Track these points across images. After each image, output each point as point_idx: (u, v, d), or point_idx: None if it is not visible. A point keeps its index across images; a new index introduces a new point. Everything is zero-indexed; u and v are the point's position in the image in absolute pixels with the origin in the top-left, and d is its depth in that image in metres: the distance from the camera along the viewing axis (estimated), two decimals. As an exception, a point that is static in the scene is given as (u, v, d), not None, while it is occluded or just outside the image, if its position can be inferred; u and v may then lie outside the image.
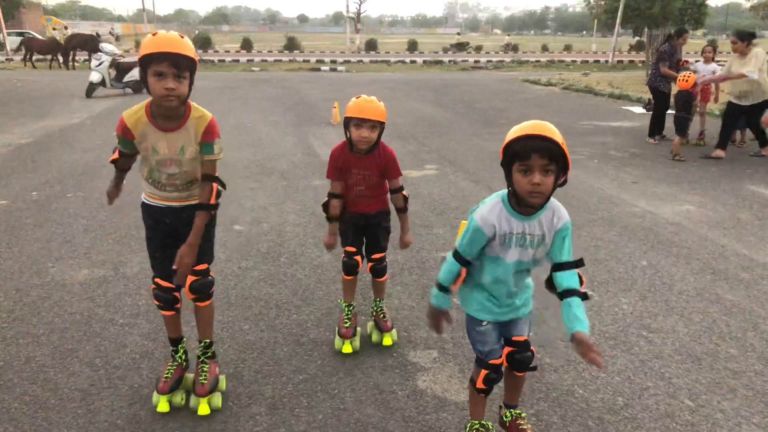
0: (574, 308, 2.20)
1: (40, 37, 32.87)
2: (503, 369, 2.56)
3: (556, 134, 2.10)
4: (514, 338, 2.51)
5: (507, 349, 2.53)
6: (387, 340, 3.57)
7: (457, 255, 2.36)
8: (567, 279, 2.26)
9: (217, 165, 2.78)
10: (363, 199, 3.40)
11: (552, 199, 2.24)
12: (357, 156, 3.29)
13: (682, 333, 3.75)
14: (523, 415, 2.71)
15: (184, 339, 3.14)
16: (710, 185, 7.42)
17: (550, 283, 2.34)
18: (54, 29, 36.88)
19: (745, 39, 8.66)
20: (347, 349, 3.46)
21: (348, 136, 3.26)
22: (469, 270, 2.40)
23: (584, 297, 2.25)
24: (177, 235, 2.78)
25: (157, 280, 2.91)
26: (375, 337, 3.60)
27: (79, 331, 3.66)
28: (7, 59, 29.70)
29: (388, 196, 3.49)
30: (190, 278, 2.89)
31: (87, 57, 25.14)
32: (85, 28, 50.68)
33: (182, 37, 2.55)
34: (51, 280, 4.41)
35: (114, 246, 5.04)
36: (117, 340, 3.56)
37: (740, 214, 6.21)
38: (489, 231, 2.25)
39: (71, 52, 26.28)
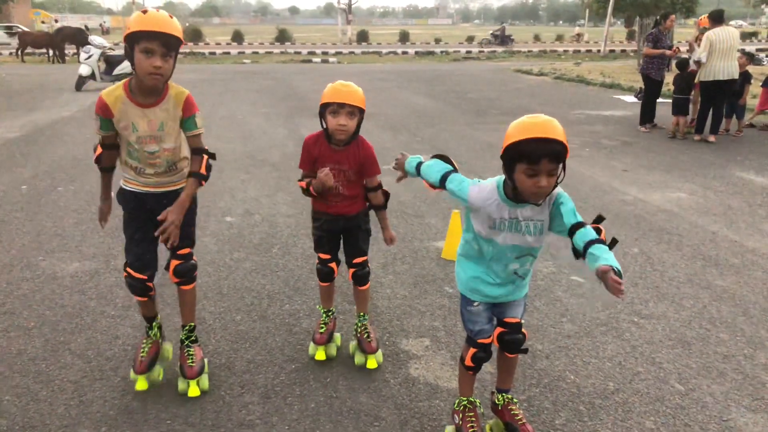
0: (597, 253, 2.03)
1: (34, 30, 32.58)
2: (494, 350, 2.57)
3: (562, 134, 2.06)
4: (506, 319, 2.52)
5: (498, 330, 2.54)
6: (371, 363, 3.20)
7: (446, 173, 2.46)
8: (582, 235, 2.12)
9: (203, 138, 2.82)
10: (341, 199, 3.07)
11: None
12: (333, 149, 2.99)
13: (673, 318, 3.78)
14: (515, 400, 2.72)
15: (159, 316, 3.17)
16: (701, 173, 7.45)
17: (576, 253, 2.17)
18: (43, 22, 36.56)
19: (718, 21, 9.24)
20: (320, 356, 3.24)
21: (324, 125, 2.98)
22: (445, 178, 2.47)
23: (610, 244, 2.11)
24: (154, 220, 2.77)
25: (129, 269, 2.91)
26: (358, 359, 3.24)
27: (71, 324, 3.65)
28: (-6, 53, 29.44)
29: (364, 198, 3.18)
30: (174, 262, 2.91)
31: (75, 50, 24.91)
32: (75, 21, 50.26)
33: (171, 17, 2.60)
34: (42, 273, 4.39)
35: (105, 239, 5.02)
36: (109, 332, 3.56)
37: (731, 201, 6.25)
38: (477, 202, 2.29)
39: (60, 46, 26.05)
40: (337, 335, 3.42)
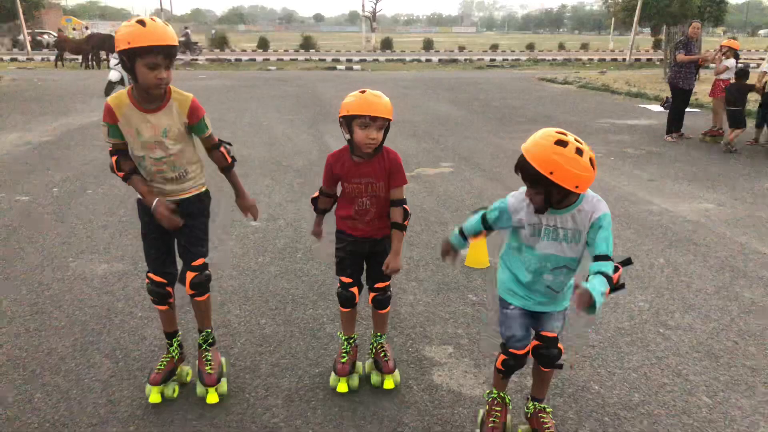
0: (593, 280, 2.11)
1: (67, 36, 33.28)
2: (527, 359, 2.57)
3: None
4: (542, 332, 2.51)
5: (534, 343, 2.54)
6: (388, 383, 3.06)
7: (484, 217, 2.52)
8: (598, 266, 2.17)
9: (215, 135, 2.89)
10: (368, 219, 2.88)
11: (589, 191, 2.26)
12: (356, 162, 2.83)
13: (700, 330, 3.73)
14: (548, 409, 2.71)
15: (179, 333, 3.15)
16: (729, 184, 7.34)
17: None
18: (74, 29, 37.31)
19: None
20: (342, 388, 3.03)
21: (349, 137, 2.78)
22: (489, 232, 2.57)
23: (623, 262, 2.24)
24: (171, 230, 2.81)
25: (150, 274, 2.93)
26: (374, 379, 3.11)
27: (100, 324, 3.72)
28: (27, 59, 30.11)
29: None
30: (190, 274, 2.89)
31: (106, 57, 25.39)
32: (105, 28, 51.20)
33: (167, 25, 2.61)
34: (72, 274, 4.48)
35: (133, 241, 5.11)
36: (136, 333, 3.62)
37: (759, 213, 6.15)
38: (513, 215, 2.37)
39: (91, 53, 26.56)
40: (360, 364, 3.22)
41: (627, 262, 2.25)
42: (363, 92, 2.73)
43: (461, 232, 2.64)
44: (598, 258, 2.20)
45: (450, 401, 3.00)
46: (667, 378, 3.21)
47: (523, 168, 2.16)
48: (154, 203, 2.71)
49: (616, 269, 2.18)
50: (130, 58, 2.53)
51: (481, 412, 2.75)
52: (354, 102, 2.71)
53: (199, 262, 2.92)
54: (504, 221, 2.45)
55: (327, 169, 2.93)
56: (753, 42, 57.61)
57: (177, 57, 2.81)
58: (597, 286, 2.07)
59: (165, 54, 2.54)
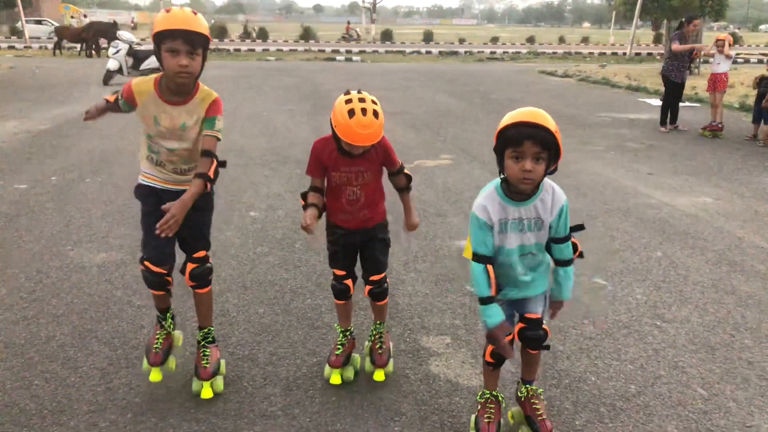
0: (561, 277, 2.45)
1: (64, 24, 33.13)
2: (515, 345, 2.58)
3: (549, 122, 2.16)
4: (526, 315, 2.53)
5: (519, 326, 2.55)
6: (378, 376, 3.05)
7: (475, 256, 2.35)
8: (559, 251, 2.42)
9: (218, 146, 2.73)
10: (358, 210, 2.84)
11: (547, 180, 2.33)
12: (346, 155, 2.76)
13: (697, 323, 3.74)
14: (540, 391, 2.72)
15: (172, 307, 3.13)
16: (728, 177, 7.35)
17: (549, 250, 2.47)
18: (72, 17, 37.09)
19: None
20: (335, 379, 3.01)
21: (336, 140, 2.71)
22: (493, 264, 2.35)
23: (578, 257, 2.47)
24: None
25: (147, 263, 2.87)
26: (369, 367, 3.12)
27: (98, 312, 3.73)
28: (25, 47, 29.96)
29: (385, 203, 2.98)
30: (190, 266, 2.89)
31: (106, 45, 25.28)
32: (103, 16, 50.97)
33: (195, 14, 2.59)
34: (70, 262, 4.48)
35: (131, 230, 5.11)
36: (134, 322, 3.63)
37: (757, 207, 6.16)
38: (488, 218, 2.32)
39: (91, 41, 26.41)
40: (356, 356, 3.21)
41: (579, 227, 2.45)
42: (352, 114, 2.53)
43: (481, 300, 2.34)
44: (559, 240, 2.40)
45: (447, 391, 3.01)
46: (664, 370, 3.23)
47: (534, 134, 2.13)
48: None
49: (575, 246, 2.44)
50: (157, 44, 2.56)
51: (473, 417, 2.70)
52: (342, 126, 2.57)
53: (201, 254, 2.91)
54: (485, 232, 2.33)
55: (313, 157, 2.83)
56: (754, 37, 57.48)
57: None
58: (566, 285, 2.46)
59: (185, 39, 2.52)
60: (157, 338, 3.02)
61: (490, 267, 2.34)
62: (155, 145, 2.77)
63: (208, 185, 2.68)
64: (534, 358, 2.67)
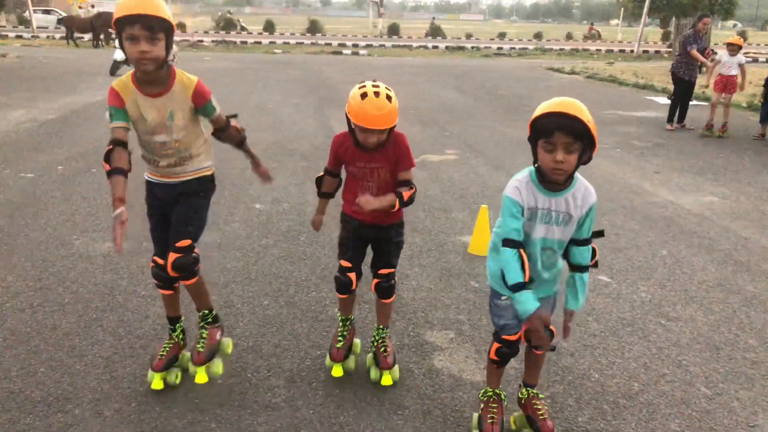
0: (577, 284, 2.38)
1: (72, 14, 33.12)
2: (521, 346, 2.58)
3: (582, 112, 2.11)
4: None
5: (526, 326, 2.54)
6: (386, 379, 2.98)
7: (506, 241, 2.25)
8: (578, 254, 2.38)
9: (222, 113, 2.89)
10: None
11: (581, 178, 2.29)
12: (362, 150, 2.75)
13: (701, 322, 3.74)
14: (541, 396, 2.73)
15: (183, 318, 3.09)
16: (735, 177, 7.32)
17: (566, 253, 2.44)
18: (80, 8, 37.08)
19: None
20: (337, 372, 3.00)
21: (351, 133, 2.72)
22: (522, 248, 2.26)
23: (593, 265, 2.43)
24: (169, 210, 2.80)
25: (155, 258, 2.88)
26: (373, 374, 3.02)
27: (103, 302, 3.74)
28: (33, 36, 30.00)
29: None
30: (172, 255, 2.73)
31: (114, 36, 25.23)
32: (111, 6, 50.92)
33: None
34: (76, 251, 4.50)
35: (137, 220, 5.09)
36: (139, 311, 3.64)
37: (764, 207, 6.13)
38: (522, 200, 2.27)
39: (100, 31, 26.39)
40: (357, 341, 3.21)
41: (599, 233, 2.40)
42: (364, 96, 2.54)
43: (513, 288, 2.23)
44: (580, 242, 2.36)
45: (450, 386, 3.02)
46: (667, 368, 3.22)
47: (565, 124, 2.08)
48: (116, 212, 2.52)
49: (593, 251, 2.41)
50: (118, 33, 2.46)
51: (475, 415, 2.71)
52: (355, 108, 2.56)
53: (184, 243, 2.73)
54: (517, 212, 2.26)
55: (332, 151, 2.89)
56: (763, 36, 57.14)
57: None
58: (579, 293, 2.39)
59: (143, 24, 2.39)
60: (164, 346, 2.98)
61: (522, 252, 2.24)
62: (147, 143, 2.74)
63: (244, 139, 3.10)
64: (539, 360, 2.67)
